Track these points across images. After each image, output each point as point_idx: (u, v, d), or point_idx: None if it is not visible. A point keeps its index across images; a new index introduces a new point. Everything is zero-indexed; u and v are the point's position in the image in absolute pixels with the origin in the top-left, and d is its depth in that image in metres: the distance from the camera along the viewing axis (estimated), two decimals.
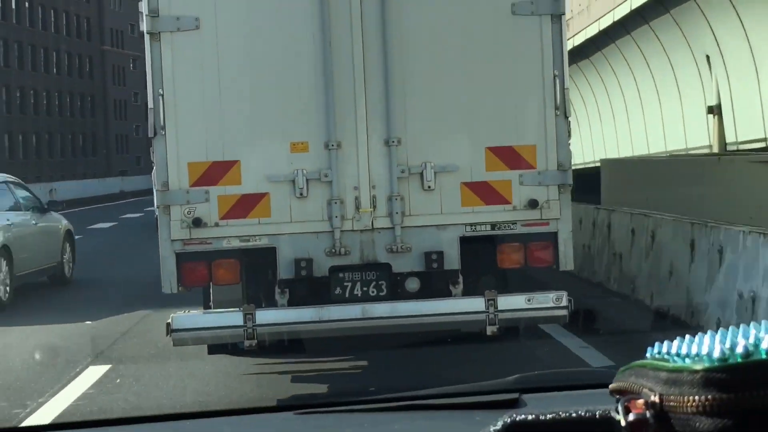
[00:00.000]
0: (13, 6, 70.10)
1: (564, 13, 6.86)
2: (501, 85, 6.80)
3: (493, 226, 6.82)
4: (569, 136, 6.85)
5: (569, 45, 21.17)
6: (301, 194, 6.83)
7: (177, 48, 6.76)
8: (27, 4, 72.16)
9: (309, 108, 6.78)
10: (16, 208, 13.49)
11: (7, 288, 12.29)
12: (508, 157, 6.79)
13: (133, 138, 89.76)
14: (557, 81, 6.76)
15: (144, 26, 6.84)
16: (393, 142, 6.80)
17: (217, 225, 6.82)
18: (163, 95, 6.73)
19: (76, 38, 78.92)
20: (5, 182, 13.77)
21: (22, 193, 14.12)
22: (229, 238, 6.81)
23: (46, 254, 13.96)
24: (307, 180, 6.82)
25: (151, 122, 6.77)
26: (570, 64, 7.51)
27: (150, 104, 6.79)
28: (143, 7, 6.86)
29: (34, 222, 13.75)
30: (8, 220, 12.84)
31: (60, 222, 14.84)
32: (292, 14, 6.78)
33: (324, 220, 6.82)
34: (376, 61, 6.76)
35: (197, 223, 6.82)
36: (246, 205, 6.84)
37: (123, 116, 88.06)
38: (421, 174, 6.81)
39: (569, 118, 6.86)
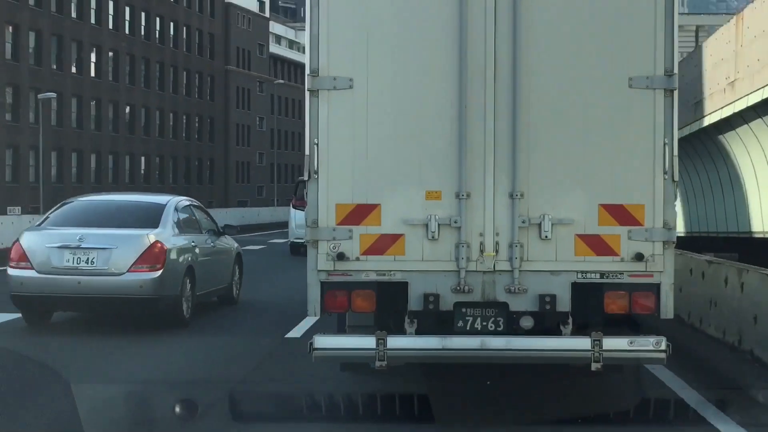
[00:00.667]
0: (127, 16, 66.93)
1: (676, 88, 7.71)
2: (615, 149, 7.70)
3: (602, 275, 7.69)
4: (675, 197, 7.68)
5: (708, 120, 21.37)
6: (432, 237, 7.79)
7: (332, 104, 7.81)
8: (143, 14, 68.95)
9: (444, 160, 7.75)
10: (197, 230, 14.29)
11: (189, 306, 13.26)
12: (619, 214, 7.66)
13: (255, 166, 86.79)
14: (666, 148, 7.62)
15: (306, 84, 7.90)
16: (517, 195, 7.72)
17: (357, 259, 7.82)
18: (318, 144, 7.78)
19: (197, 55, 76.69)
20: (190, 205, 14.56)
21: (202, 216, 14.93)
22: (367, 272, 7.81)
23: (221, 276, 15.04)
24: (438, 225, 7.78)
25: (307, 167, 7.83)
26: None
27: (306, 151, 7.85)
28: (306, 67, 7.93)
29: (211, 244, 14.61)
30: (193, 242, 13.73)
31: (232, 245, 15.83)
32: (434, 76, 7.76)
33: (452, 260, 7.76)
34: (505, 121, 7.71)
35: (341, 257, 7.83)
36: (384, 244, 7.83)
37: (245, 142, 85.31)
38: (540, 225, 7.72)
39: (676, 181, 7.68)
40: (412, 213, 7.81)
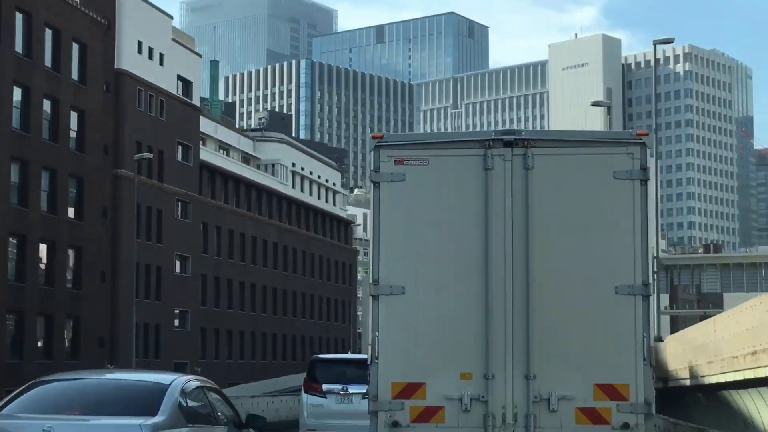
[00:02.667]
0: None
1: (651, 294, 10.17)
2: (606, 340, 10.20)
3: None
4: (653, 378, 9.99)
5: None
6: (466, 409, 10.24)
7: (389, 307, 10.49)
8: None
9: (475, 347, 10.29)
10: (211, 421, 10.56)
11: None
12: (610, 391, 10.04)
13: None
14: (645, 340, 10.03)
15: (369, 290, 10.61)
16: (531, 377, 10.17)
17: (408, 426, 10.30)
18: (378, 336, 10.37)
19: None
20: (202, 387, 10.72)
21: (218, 402, 11.05)
22: None
23: None
24: (471, 399, 10.23)
25: (369, 354, 10.41)
26: None
27: (369, 342, 10.46)
28: (369, 277, 10.64)
29: None
30: None
31: None
32: (466, 282, 10.41)
33: (480, 427, 10.18)
34: (521, 320, 10.25)
35: (395, 424, 10.33)
36: (428, 414, 10.31)
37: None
38: (548, 400, 10.13)
39: (653, 366, 10.03)
40: (449, 390, 10.33)
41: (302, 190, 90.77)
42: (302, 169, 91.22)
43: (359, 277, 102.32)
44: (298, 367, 67.59)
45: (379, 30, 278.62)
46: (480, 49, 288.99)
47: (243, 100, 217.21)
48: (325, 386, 20.00)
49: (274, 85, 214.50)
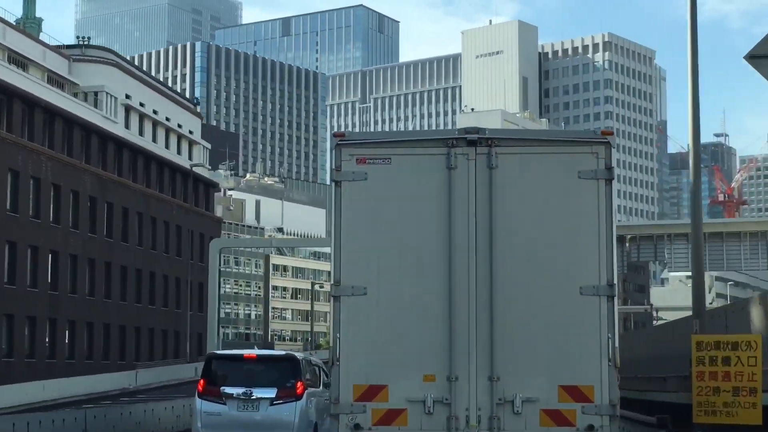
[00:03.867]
0: None
1: (615, 295, 10.26)
2: (570, 341, 10.41)
3: None
4: (618, 380, 10.06)
5: None
6: (429, 411, 10.28)
7: (350, 308, 10.57)
8: None
9: (438, 349, 10.37)
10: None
11: None
12: (574, 393, 10.15)
13: None
14: (610, 342, 10.11)
15: (330, 291, 10.52)
16: (495, 378, 10.25)
17: (370, 429, 10.34)
18: (339, 338, 10.30)
19: None
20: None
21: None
22: None
23: None
24: (434, 402, 10.27)
25: (330, 355, 10.32)
26: None
27: (330, 343, 10.38)
28: (330, 277, 10.55)
29: None
30: None
31: None
32: (428, 284, 10.51)
33: (444, 430, 10.29)
34: (484, 322, 10.31)
35: (357, 427, 10.31)
36: (390, 417, 10.35)
37: None
38: (513, 402, 10.24)
39: (618, 367, 10.09)
40: (412, 392, 10.45)
41: (142, 133, 71.19)
42: (142, 105, 71.73)
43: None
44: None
45: (286, 22, 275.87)
46: (390, 43, 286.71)
47: None
48: (224, 389, 17.04)
49: (167, 69, 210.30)
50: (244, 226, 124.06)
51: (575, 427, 10.27)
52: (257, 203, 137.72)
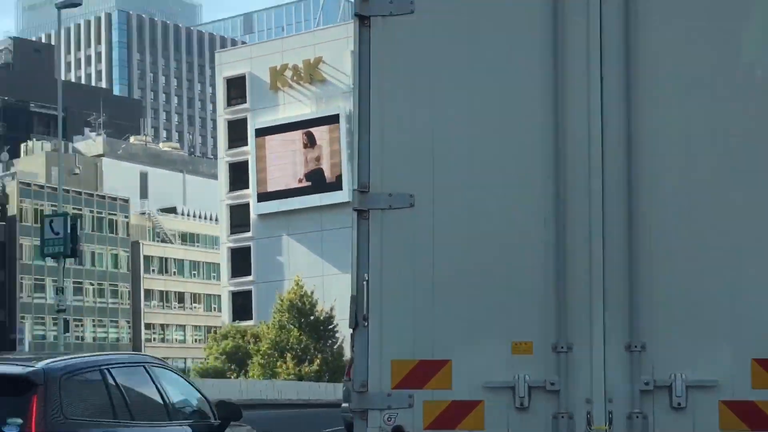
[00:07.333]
0: None
1: None
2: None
3: None
4: None
5: None
6: (521, 405, 6.17)
7: (387, 228, 6.27)
8: None
9: (536, 301, 6.18)
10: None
11: None
12: None
13: None
14: None
15: (352, 202, 6.33)
16: (636, 347, 6.12)
17: None
18: (368, 282, 6.16)
19: None
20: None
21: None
22: None
23: None
24: (529, 388, 6.16)
25: (353, 313, 6.17)
26: None
27: (353, 291, 6.21)
28: (353, 181, 6.41)
29: None
30: None
31: None
32: (523, 187, 6.25)
33: None
34: (617, 249, 6.16)
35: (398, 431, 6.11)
36: (455, 415, 6.22)
37: None
38: (670, 388, 6.07)
39: None
40: (493, 372, 6.28)
41: None
42: None
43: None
44: None
45: (247, 18, 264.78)
46: None
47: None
48: None
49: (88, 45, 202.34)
50: (100, 196, 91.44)
51: None
52: (142, 174, 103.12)
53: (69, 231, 38.63)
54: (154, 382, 7.44)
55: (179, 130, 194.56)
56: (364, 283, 6.23)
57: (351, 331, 6.32)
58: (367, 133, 6.31)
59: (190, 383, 8.41)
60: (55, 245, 38.92)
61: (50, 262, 77.68)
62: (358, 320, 6.23)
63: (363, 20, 6.35)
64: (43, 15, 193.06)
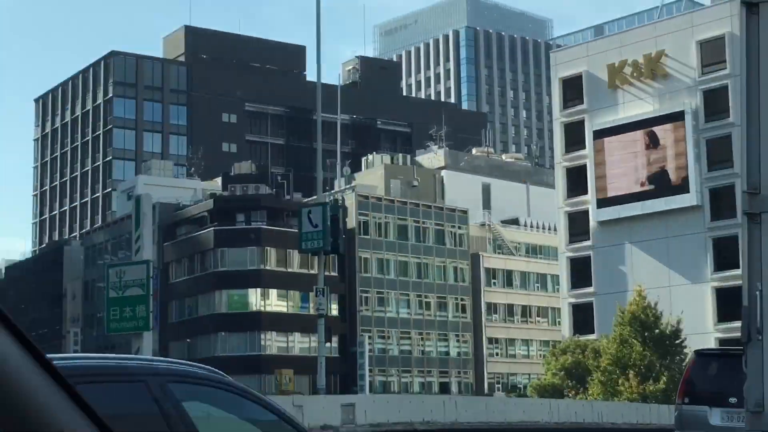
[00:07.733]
0: None
1: None
2: None
3: None
4: None
5: None
6: None
7: None
8: None
9: None
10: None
11: None
12: None
13: None
14: None
15: (740, 204, 5.74)
16: None
17: None
18: (761, 292, 5.59)
19: None
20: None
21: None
22: None
23: None
24: None
25: (745, 325, 5.62)
26: None
27: (744, 302, 5.67)
28: (740, 182, 5.83)
29: None
30: None
31: None
32: None
33: None
34: None
35: None
36: None
37: None
38: None
39: None
40: None
41: None
42: None
43: None
44: None
45: (599, 30, 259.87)
46: None
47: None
48: None
49: (438, 63, 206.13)
50: (438, 208, 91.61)
51: None
52: (485, 186, 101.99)
53: (329, 223, 34.27)
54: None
55: (526, 143, 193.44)
56: (757, 293, 5.68)
57: (742, 346, 5.78)
58: (756, 129, 5.76)
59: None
60: (314, 239, 34.36)
61: (391, 275, 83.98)
62: (751, 333, 5.71)
63: (751, 7, 5.81)
64: (397, 40, 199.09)
